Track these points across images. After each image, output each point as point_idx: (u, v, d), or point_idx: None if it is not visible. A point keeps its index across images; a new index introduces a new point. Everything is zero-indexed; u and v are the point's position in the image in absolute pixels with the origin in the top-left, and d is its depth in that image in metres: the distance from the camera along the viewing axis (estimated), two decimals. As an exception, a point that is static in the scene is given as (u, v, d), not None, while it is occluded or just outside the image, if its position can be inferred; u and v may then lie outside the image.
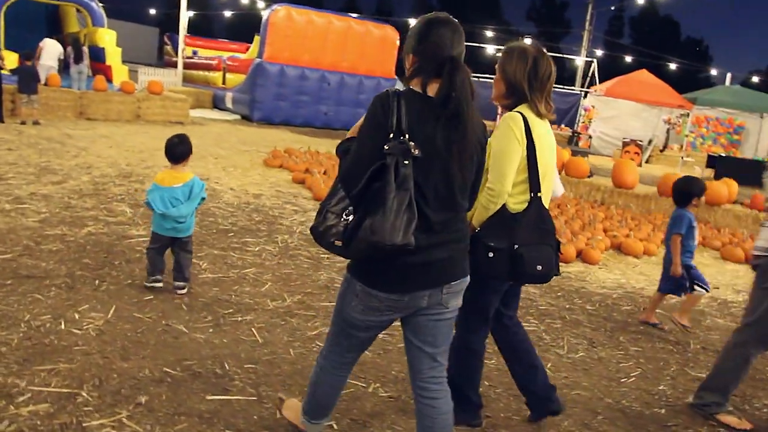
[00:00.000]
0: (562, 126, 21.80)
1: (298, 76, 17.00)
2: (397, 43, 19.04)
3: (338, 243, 1.97)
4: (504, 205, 2.46)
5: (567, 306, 4.82)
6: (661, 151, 21.73)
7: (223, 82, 19.30)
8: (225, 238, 5.35)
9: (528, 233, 2.45)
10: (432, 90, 1.97)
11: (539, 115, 2.50)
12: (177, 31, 22.20)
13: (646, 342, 4.28)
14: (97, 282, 3.95)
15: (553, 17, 61.99)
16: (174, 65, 22.74)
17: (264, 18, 16.41)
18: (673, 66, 31.77)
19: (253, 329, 3.56)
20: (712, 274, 6.43)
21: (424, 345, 2.13)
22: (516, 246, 2.43)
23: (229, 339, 3.40)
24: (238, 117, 17.21)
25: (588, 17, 29.17)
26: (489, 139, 2.37)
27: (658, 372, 3.79)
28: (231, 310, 3.81)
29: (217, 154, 10.14)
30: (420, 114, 1.93)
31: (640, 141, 20.48)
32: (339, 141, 2.17)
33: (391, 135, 1.89)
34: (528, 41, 2.72)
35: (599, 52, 31.12)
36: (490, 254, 2.43)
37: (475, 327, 2.70)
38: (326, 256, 5.19)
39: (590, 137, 20.40)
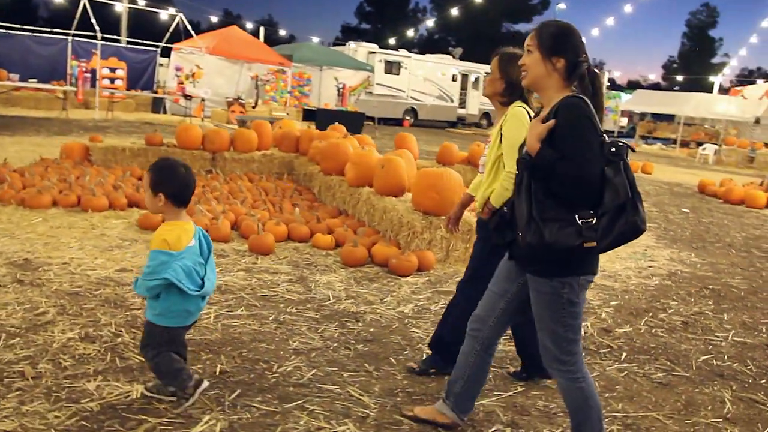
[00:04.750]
0: (163, 90, 19.71)
1: None
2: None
3: (590, 244, 2.03)
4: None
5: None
6: (254, 107, 22.31)
7: None
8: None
9: None
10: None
11: (531, 109, 2.97)
12: None
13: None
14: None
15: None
16: None
17: None
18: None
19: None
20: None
21: None
22: None
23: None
24: None
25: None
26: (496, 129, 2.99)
27: None
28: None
29: None
30: None
31: (242, 99, 20.56)
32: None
33: (604, 137, 2.07)
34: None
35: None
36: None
37: None
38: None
39: (203, 100, 19.25)
